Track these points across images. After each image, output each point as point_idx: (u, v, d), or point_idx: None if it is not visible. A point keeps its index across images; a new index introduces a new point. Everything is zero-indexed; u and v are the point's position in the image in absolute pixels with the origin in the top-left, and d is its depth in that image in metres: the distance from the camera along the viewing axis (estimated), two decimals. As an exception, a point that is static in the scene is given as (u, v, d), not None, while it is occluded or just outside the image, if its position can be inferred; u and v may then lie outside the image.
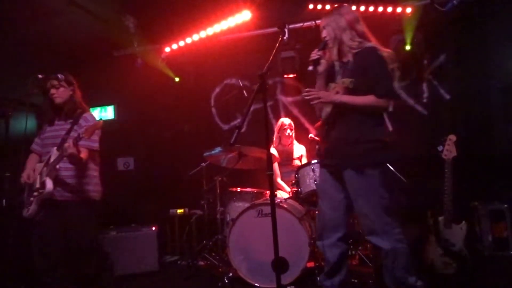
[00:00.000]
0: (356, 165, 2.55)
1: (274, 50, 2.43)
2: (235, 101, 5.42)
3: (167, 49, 5.43)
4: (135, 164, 5.88)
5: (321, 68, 2.69)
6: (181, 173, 5.28)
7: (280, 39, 2.50)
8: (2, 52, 4.11)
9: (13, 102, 3.07)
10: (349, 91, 2.57)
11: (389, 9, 4.57)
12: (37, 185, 3.01)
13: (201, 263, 4.43)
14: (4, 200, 3.16)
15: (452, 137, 3.44)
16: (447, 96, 4.90)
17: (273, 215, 2.11)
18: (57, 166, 2.98)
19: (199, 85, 5.76)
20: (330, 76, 2.73)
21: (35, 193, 2.98)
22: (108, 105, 5.92)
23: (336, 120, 2.68)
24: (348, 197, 2.65)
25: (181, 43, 5.34)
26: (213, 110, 5.81)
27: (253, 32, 5.19)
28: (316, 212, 2.91)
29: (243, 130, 5.84)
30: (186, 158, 5.39)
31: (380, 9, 4.58)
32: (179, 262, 4.74)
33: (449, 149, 3.42)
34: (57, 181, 3.00)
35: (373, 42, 2.64)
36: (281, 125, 4.78)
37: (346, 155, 2.59)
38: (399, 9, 4.58)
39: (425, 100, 4.99)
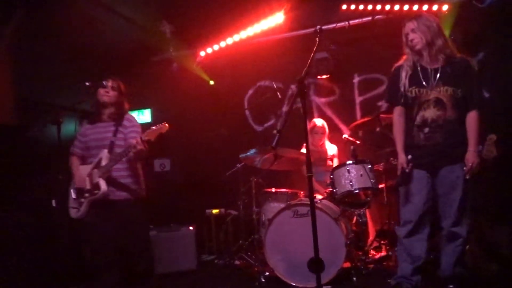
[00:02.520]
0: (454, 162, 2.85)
1: (312, 54, 2.47)
2: (268, 103, 5.48)
3: (202, 53, 5.57)
4: (171, 166, 6.04)
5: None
6: (216, 174, 5.39)
7: (317, 41, 2.51)
8: (51, 60, 4.33)
9: (63, 109, 3.24)
10: (453, 99, 2.82)
11: (425, 7, 4.49)
12: (88, 187, 3.11)
13: (238, 262, 4.52)
14: (54, 201, 3.32)
15: (492, 137, 3.36)
16: (487, 95, 4.76)
17: (313, 216, 2.16)
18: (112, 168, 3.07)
19: (233, 88, 5.86)
20: (413, 81, 2.90)
21: (86, 194, 3.08)
22: (145, 108, 6.12)
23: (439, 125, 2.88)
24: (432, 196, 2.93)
25: (216, 47, 5.46)
26: (247, 112, 5.89)
27: (286, 34, 5.23)
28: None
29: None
30: (221, 160, 5.50)
31: (415, 7, 4.51)
32: (216, 261, 4.85)
33: (489, 149, 3.35)
34: (110, 182, 3.09)
35: (460, 54, 2.89)
36: (313, 125, 4.81)
37: (447, 155, 2.86)
38: (435, 7, 4.50)
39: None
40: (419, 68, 2.89)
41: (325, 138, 4.88)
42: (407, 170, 2.90)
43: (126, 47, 5.39)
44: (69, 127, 3.38)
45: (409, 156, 2.94)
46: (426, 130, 2.86)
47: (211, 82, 5.85)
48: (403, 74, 2.96)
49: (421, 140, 2.90)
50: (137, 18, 5.08)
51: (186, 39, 5.59)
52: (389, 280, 3.13)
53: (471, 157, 2.79)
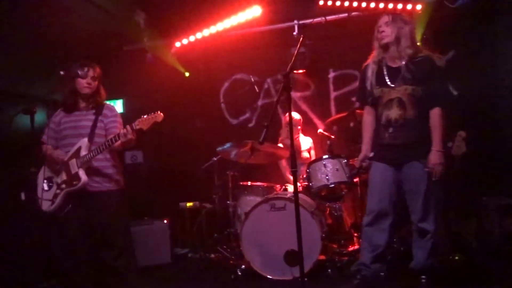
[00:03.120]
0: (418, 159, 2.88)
1: (297, 48, 2.47)
2: (244, 97, 5.47)
3: (177, 44, 5.46)
4: (143, 157, 5.93)
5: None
6: (191, 167, 5.35)
7: (301, 36, 2.53)
8: (21, 50, 4.14)
9: (36, 99, 3.10)
10: (413, 97, 2.84)
11: (399, 6, 4.59)
12: (65, 177, 2.95)
13: (213, 255, 4.51)
14: (22, 194, 3.19)
15: (462, 133, 3.50)
16: (455, 92, 4.93)
17: (297, 211, 2.18)
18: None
19: (208, 80, 5.80)
20: (378, 80, 2.95)
21: (63, 186, 2.93)
22: (117, 99, 5.95)
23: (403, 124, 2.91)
24: (397, 190, 2.98)
25: (192, 38, 5.36)
26: (222, 105, 5.85)
27: (263, 28, 5.22)
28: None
29: (251, 125, 5.97)
30: (196, 152, 5.47)
31: (391, 6, 4.59)
32: (190, 255, 4.82)
33: (458, 145, 3.48)
34: (90, 172, 2.95)
35: (425, 52, 2.91)
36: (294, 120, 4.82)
37: (410, 153, 2.89)
38: (409, 6, 4.60)
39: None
40: (384, 67, 2.94)
41: (299, 132, 4.92)
42: (363, 164, 3.05)
43: (98, 36, 5.22)
44: (40, 117, 3.23)
45: (371, 154, 3.05)
46: (391, 129, 2.91)
47: (186, 74, 5.76)
48: (369, 72, 3.01)
49: (386, 139, 2.96)
50: (109, 6, 4.92)
51: (161, 29, 5.46)
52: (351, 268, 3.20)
53: (433, 158, 2.82)
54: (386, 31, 2.88)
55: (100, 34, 5.18)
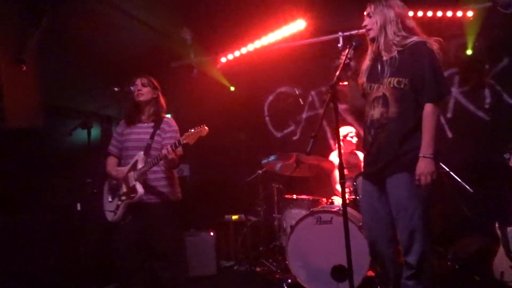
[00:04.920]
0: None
1: (343, 61, 2.41)
2: (288, 109, 5.48)
3: (223, 59, 5.59)
4: (190, 171, 6.05)
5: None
6: (236, 180, 5.39)
7: (348, 48, 2.45)
8: (76, 68, 4.40)
9: (91, 114, 3.26)
10: (397, 91, 2.35)
11: (449, 13, 4.46)
12: (124, 190, 3.05)
13: (258, 269, 4.49)
14: (78, 204, 3.33)
15: (519, 143, 3.31)
16: (511, 101, 4.70)
17: (345, 224, 2.13)
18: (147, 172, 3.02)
19: (253, 94, 5.87)
20: (370, 76, 2.53)
21: (123, 197, 3.02)
22: (166, 114, 6.13)
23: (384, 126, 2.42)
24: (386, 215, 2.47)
25: (236, 53, 5.47)
26: (267, 118, 5.89)
27: (307, 41, 5.23)
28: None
29: (296, 137, 5.96)
30: (241, 165, 5.51)
31: (439, 13, 4.47)
32: (235, 267, 4.83)
33: (517, 157, 3.29)
34: (146, 184, 3.03)
35: (422, 36, 2.42)
36: (347, 133, 4.75)
37: (390, 162, 2.38)
38: (459, 13, 4.46)
39: (487, 106, 4.80)
40: (378, 61, 2.50)
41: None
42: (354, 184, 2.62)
43: (148, 53, 5.44)
44: (94, 131, 3.40)
45: (355, 183, 2.68)
46: (372, 132, 2.45)
47: (232, 88, 5.86)
48: (364, 68, 2.60)
49: (368, 145, 2.49)
50: (158, 25, 5.13)
51: (207, 45, 5.61)
52: None
53: (419, 165, 2.26)
54: (369, 24, 2.47)
55: (149, 51, 5.39)
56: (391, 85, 2.37)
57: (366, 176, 2.57)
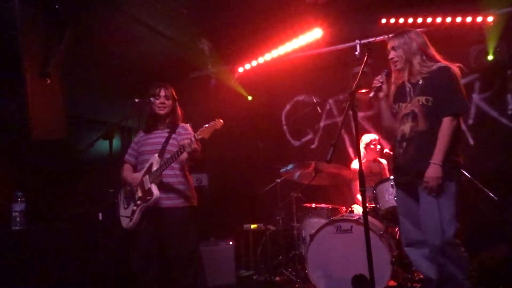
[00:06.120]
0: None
1: (361, 69, 2.47)
2: (306, 118, 5.47)
3: (240, 69, 5.64)
4: (208, 180, 6.09)
5: (382, 94, 2.85)
6: (254, 189, 5.39)
7: (366, 55, 2.53)
8: (98, 80, 4.50)
9: (112, 125, 3.33)
10: (425, 108, 2.69)
11: (468, 19, 4.40)
12: (140, 194, 3.05)
13: (278, 278, 4.47)
14: (100, 214, 3.38)
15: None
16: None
17: (366, 233, 2.11)
18: (163, 173, 3.01)
19: (270, 103, 5.90)
20: (398, 97, 2.88)
21: (139, 202, 3.02)
22: (184, 123, 6.20)
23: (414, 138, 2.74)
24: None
25: (254, 63, 5.51)
26: (284, 127, 5.89)
27: (324, 49, 5.23)
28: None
29: (314, 146, 5.94)
30: (259, 174, 5.51)
31: (459, 19, 4.42)
32: (254, 277, 4.81)
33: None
34: (162, 188, 3.02)
35: (443, 63, 2.74)
36: (370, 141, 4.72)
37: (421, 173, 2.64)
38: (479, 19, 4.40)
39: (510, 112, 4.72)
40: (405, 84, 2.84)
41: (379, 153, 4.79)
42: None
43: (166, 64, 5.53)
44: (115, 142, 3.45)
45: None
46: (404, 144, 2.77)
47: (249, 98, 5.90)
48: (391, 91, 2.94)
49: (400, 157, 2.81)
50: (177, 36, 5.21)
51: (224, 55, 5.67)
52: None
53: (429, 170, 2.58)
54: (395, 57, 2.81)
55: (168, 62, 5.48)
56: (420, 103, 2.71)
57: (398, 184, 2.92)
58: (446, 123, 2.61)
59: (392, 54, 2.83)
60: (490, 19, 4.39)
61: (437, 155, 2.57)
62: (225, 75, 5.76)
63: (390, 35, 2.91)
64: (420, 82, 2.75)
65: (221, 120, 2.88)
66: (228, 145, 6.00)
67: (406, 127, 2.75)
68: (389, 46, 2.85)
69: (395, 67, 2.84)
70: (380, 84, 2.79)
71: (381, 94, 2.83)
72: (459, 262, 2.57)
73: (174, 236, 3.06)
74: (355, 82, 2.53)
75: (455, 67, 2.70)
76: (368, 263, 2.15)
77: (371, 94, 2.78)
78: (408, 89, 2.80)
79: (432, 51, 2.80)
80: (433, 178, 2.55)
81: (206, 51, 5.60)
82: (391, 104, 2.92)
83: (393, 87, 2.91)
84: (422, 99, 2.70)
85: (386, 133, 2.98)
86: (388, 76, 2.81)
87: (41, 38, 3.56)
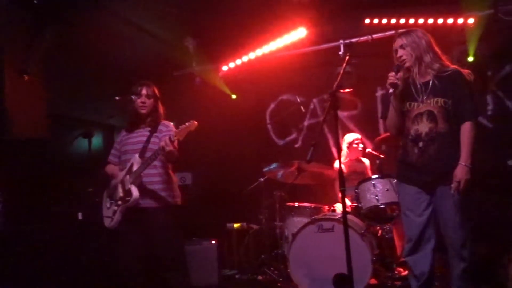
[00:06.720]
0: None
1: (343, 69, 2.47)
2: (290, 117, 5.49)
3: (225, 68, 5.62)
4: (192, 179, 6.05)
5: (397, 91, 2.78)
6: (238, 188, 5.38)
7: (347, 55, 2.53)
8: (80, 77, 4.44)
9: (93, 124, 3.28)
10: (444, 110, 2.72)
11: (450, 21, 4.46)
12: (120, 194, 3.02)
13: (260, 277, 4.47)
14: (80, 214, 3.34)
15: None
16: (514, 108, 4.69)
17: (346, 232, 2.12)
18: (142, 173, 2.98)
19: (255, 102, 5.89)
20: (407, 95, 2.85)
21: (119, 202, 2.99)
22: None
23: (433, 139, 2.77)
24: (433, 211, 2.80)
25: (238, 62, 5.50)
26: (269, 126, 5.90)
27: (308, 49, 5.25)
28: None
29: (298, 145, 5.96)
30: (243, 173, 5.49)
31: (441, 21, 4.48)
32: (237, 276, 4.80)
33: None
34: (142, 188, 2.99)
35: (453, 66, 2.78)
36: (353, 140, 4.74)
37: (442, 175, 2.71)
38: (460, 20, 4.47)
39: (489, 113, 4.80)
40: (411, 83, 2.84)
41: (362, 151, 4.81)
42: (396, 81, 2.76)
43: (150, 62, 5.48)
44: (96, 141, 3.41)
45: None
46: (421, 144, 2.76)
47: (233, 96, 5.89)
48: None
49: (415, 156, 2.79)
50: (161, 34, 5.17)
51: (209, 53, 5.65)
52: None
53: (459, 173, 2.64)
54: (404, 55, 2.80)
55: (152, 60, 5.43)
56: (439, 104, 2.72)
57: (411, 181, 2.85)
58: (471, 127, 2.69)
59: (400, 53, 2.81)
60: (471, 21, 4.47)
61: (467, 157, 2.65)
62: (210, 74, 5.74)
63: (398, 32, 2.91)
64: (432, 82, 2.75)
65: (195, 122, 2.86)
66: (212, 143, 5.98)
67: (423, 127, 2.75)
68: (396, 45, 2.84)
69: (403, 65, 2.83)
70: (396, 81, 2.72)
71: (396, 91, 2.78)
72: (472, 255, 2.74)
73: (159, 236, 3.04)
74: (336, 82, 2.49)
75: (468, 73, 2.76)
76: (347, 261, 2.16)
77: (390, 91, 2.76)
78: (419, 87, 2.79)
79: (437, 48, 2.82)
80: (465, 179, 2.62)
81: (191, 49, 5.58)
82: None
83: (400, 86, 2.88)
84: (441, 101, 2.71)
85: (397, 132, 2.89)
86: (398, 72, 2.76)
87: (21, 36, 3.50)
